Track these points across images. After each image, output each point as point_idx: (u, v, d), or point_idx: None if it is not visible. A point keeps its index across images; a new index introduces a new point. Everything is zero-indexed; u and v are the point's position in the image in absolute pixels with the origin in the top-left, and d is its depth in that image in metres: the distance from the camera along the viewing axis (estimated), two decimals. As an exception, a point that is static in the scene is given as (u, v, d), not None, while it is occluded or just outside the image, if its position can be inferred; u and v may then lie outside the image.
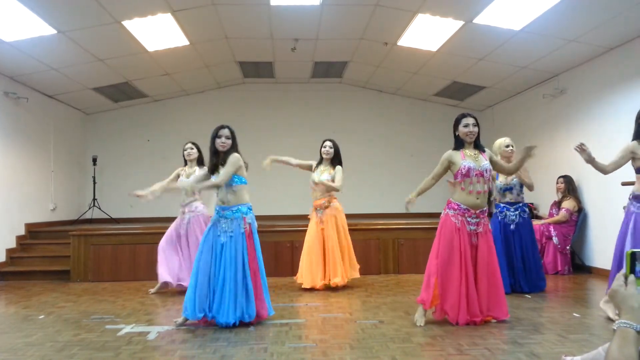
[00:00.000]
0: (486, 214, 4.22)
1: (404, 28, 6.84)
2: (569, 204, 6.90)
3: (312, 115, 10.21)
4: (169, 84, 9.23)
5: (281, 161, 5.95)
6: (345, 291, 5.70)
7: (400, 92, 10.22)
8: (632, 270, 1.48)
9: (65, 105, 8.98)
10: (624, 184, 5.46)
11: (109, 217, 9.17)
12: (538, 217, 7.65)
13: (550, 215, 7.23)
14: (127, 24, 6.26)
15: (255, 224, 4.38)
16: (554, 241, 6.79)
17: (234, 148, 4.34)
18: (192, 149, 5.90)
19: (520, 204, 5.64)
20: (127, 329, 4.13)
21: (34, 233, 7.76)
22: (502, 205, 5.69)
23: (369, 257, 6.99)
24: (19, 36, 6.03)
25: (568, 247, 6.84)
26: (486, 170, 4.13)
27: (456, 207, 4.19)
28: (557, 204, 7.13)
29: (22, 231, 7.58)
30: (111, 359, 3.38)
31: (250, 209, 4.35)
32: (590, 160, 4.20)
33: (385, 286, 6.04)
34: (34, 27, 5.90)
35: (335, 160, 5.83)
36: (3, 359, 3.39)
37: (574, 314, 4.44)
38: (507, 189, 5.62)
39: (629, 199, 4.27)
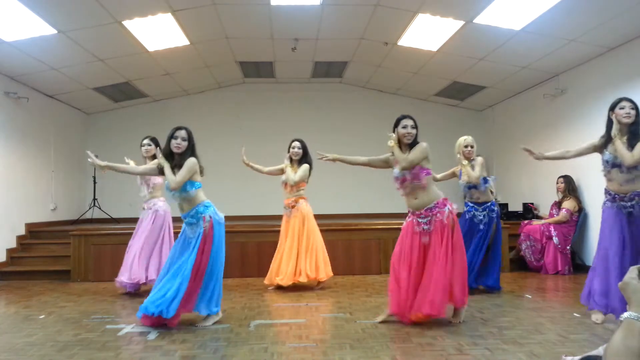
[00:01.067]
0: (439, 210, 4.09)
1: (404, 28, 6.84)
2: (569, 204, 6.90)
3: (313, 115, 10.21)
4: (169, 84, 9.23)
5: (253, 167, 6.06)
6: (346, 291, 5.69)
7: (401, 92, 10.22)
8: None
9: (65, 105, 8.98)
10: (624, 184, 5.45)
11: (109, 217, 9.17)
12: (538, 217, 7.65)
13: (551, 215, 7.23)
14: (128, 23, 6.26)
15: (218, 217, 4.25)
16: (555, 241, 6.79)
17: (190, 150, 4.23)
18: (149, 145, 5.61)
19: (489, 203, 5.56)
20: (128, 328, 4.13)
21: (35, 233, 7.76)
22: (470, 204, 5.62)
23: (369, 257, 6.98)
24: (19, 36, 6.04)
25: (568, 247, 6.84)
26: (408, 173, 4.13)
27: (408, 210, 4.29)
28: (558, 204, 7.13)
29: (22, 231, 7.59)
30: (112, 359, 3.39)
31: (208, 206, 4.22)
32: (541, 156, 4.43)
33: (385, 286, 6.01)
34: (34, 27, 5.90)
35: (304, 159, 5.89)
36: (4, 359, 3.39)
37: (575, 314, 4.43)
38: (472, 186, 5.53)
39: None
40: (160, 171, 4.26)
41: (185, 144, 4.19)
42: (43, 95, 8.20)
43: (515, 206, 8.65)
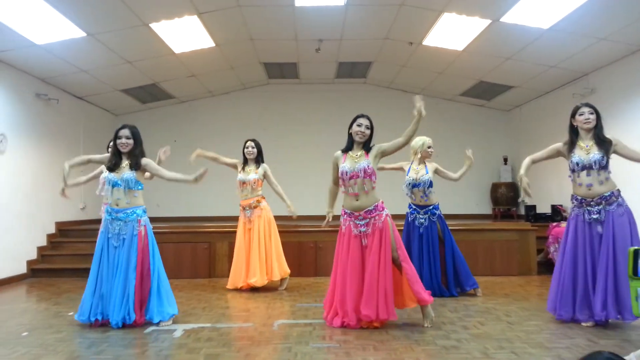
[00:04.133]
0: (378, 214, 4.07)
1: (430, 27, 6.79)
2: (599, 205, 6.72)
3: (336, 116, 10.16)
4: (195, 86, 9.34)
5: (208, 157, 5.95)
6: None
7: (426, 92, 10.12)
8: (635, 267, 1.42)
9: (94, 106, 9.17)
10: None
11: (136, 216, 9.31)
12: (565, 220, 7.48)
13: (580, 217, 7.05)
14: (155, 26, 6.36)
15: (150, 226, 4.37)
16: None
17: (139, 147, 4.32)
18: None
19: (431, 207, 5.45)
20: (154, 326, 4.19)
21: (64, 231, 7.95)
22: (412, 206, 5.52)
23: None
24: (50, 39, 6.19)
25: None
26: (362, 171, 4.08)
27: (343, 212, 4.23)
28: (587, 206, 6.96)
29: (52, 229, 7.78)
30: (138, 356, 3.44)
31: (145, 212, 4.34)
32: (526, 182, 4.31)
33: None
34: (65, 30, 6.04)
35: (259, 158, 5.90)
36: (35, 354, 3.48)
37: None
38: (415, 185, 5.42)
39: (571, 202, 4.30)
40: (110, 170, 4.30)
41: (130, 141, 4.27)
42: (73, 97, 8.38)
43: (544, 208, 8.48)
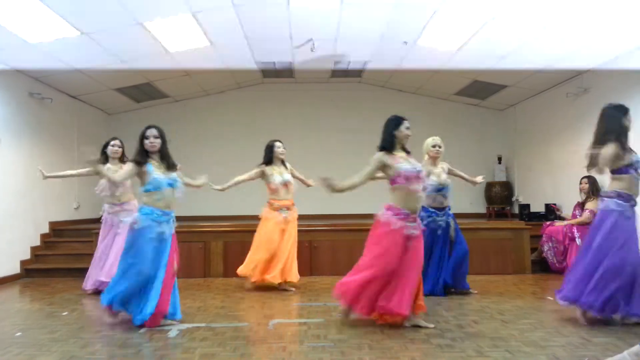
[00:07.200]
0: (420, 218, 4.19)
1: (424, 27, 6.79)
2: (592, 205, 6.75)
3: (331, 115, 10.20)
4: (189, 85, 9.32)
5: (232, 185, 5.86)
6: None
7: (420, 92, 10.15)
8: None
9: (88, 105, 9.13)
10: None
11: (130, 215, 9.27)
12: (561, 218, 7.52)
13: (574, 216, 7.10)
14: (149, 25, 6.34)
15: None
16: (577, 243, 6.66)
17: (165, 148, 4.35)
18: (119, 147, 5.75)
19: (447, 208, 5.47)
20: (147, 326, 4.17)
21: (58, 231, 7.91)
22: (430, 210, 5.39)
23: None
24: (43, 38, 6.15)
25: (592, 249, 6.69)
26: (422, 172, 4.24)
27: (398, 212, 4.10)
28: (581, 205, 7.00)
29: (46, 229, 7.74)
30: (133, 355, 3.43)
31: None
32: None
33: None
34: (58, 29, 6.00)
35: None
36: (28, 354, 3.46)
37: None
38: (440, 189, 5.39)
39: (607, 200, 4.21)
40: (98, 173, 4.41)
41: (158, 141, 4.29)
42: (66, 96, 8.34)
43: (538, 207, 8.52)
